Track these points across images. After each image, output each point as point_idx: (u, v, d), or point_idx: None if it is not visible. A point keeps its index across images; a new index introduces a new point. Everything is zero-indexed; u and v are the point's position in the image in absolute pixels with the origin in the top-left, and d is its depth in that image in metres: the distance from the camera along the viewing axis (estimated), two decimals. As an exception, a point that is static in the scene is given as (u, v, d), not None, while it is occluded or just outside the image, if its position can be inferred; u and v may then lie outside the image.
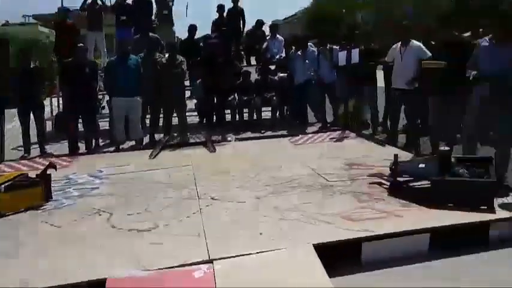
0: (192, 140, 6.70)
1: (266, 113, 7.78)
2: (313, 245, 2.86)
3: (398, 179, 3.88)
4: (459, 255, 2.95)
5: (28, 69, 6.40)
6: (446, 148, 3.98)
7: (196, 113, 8.19)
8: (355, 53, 6.69)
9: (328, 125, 7.31)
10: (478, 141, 4.34)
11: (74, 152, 6.23)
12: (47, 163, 4.51)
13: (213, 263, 2.72)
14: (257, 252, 2.82)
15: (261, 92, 7.68)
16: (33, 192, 3.91)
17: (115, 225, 3.40)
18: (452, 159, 3.82)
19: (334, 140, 6.30)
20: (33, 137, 6.47)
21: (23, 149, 6.38)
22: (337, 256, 2.85)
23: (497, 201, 3.46)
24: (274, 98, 7.69)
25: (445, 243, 3.04)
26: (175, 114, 7.03)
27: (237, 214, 3.53)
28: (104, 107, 8.07)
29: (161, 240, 3.07)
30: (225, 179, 4.54)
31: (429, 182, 3.67)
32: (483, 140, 4.46)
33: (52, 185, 4.18)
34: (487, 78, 3.96)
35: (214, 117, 7.68)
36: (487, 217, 3.24)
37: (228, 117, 7.73)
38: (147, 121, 6.97)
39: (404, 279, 2.73)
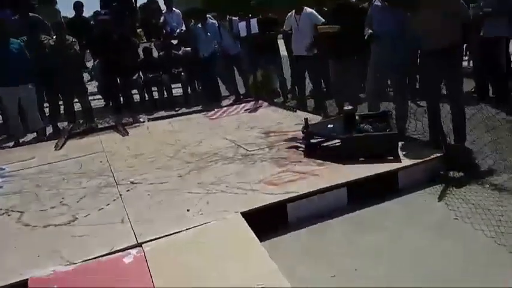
0: (100, 126, 6.30)
1: (177, 90, 7.58)
2: (241, 213, 2.92)
3: (312, 141, 4.11)
4: (375, 204, 3.23)
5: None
6: (350, 107, 4.29)
7: (100, 96, 7.72)
8: (254, 23, 6.77)
9: (241, 96, 7.37)
10: (380, 98, 4.74)
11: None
12: None
13: (142, 246, 2.65)
14: (186, 229, 2.80)
15: (167, 68, 7.44)
16: None
17: (28, 223, 3.12)
18: (356, 117, 4.14)
19: (249, 110, 6.39)
20: None
21: None
22: (265, 221, 2.94)
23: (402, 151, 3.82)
24: (182, 73, 7.51)
25: (361, 194, 3.30)
26: (76, 100, 6.54)
27: (161, 195, 3.44)
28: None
29: (83, 232, 2.90)
30: (143, 162, 4.38)
31: (339, 141, 3.95)
32: (384, 96, 4.88)
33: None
34: (378, 38, 4.30)
35: (121, 99, 7.29)
36: (395, 166, 3.57)
37: (137, 97, 7.39)
38: (47, 110, 6.38)
39: (328, 232, 2.93)
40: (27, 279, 2.35)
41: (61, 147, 5.23)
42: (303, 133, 4.17)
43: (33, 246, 2.77)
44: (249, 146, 4.46)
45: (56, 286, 2.32)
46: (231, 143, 4.69)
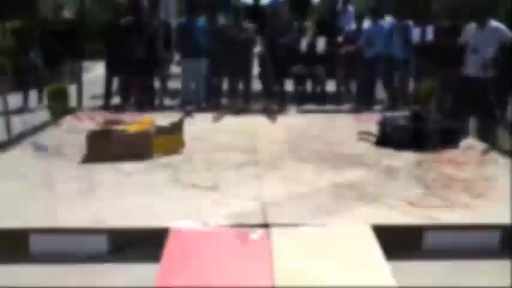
0: (254, 107, 6.72)
1: (331, 86, 7.57)
2: (372, 225, 2.78)
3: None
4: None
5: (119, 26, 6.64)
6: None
7: (259, 81, 8.18)
8: (430, 30, 6.25)
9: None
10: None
11: (140, 107, 6.51)
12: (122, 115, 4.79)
13: (269, 227, 2.74)
14: (313, 225, 2.80)
15: (327, 63, 7.46)
16: (175, 138, 4.20)
17: (179, 180, 3.52)
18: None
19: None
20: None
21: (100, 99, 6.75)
22: (396, 241, 2.74)
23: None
24: (340, 71, 7.45)
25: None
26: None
27: (296, 185, 3.50)
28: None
29: (220, 200, 3.14)
30: (285, 150, 4.51)
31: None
32: None
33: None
34: None
35: (276, 87, 7.61)
36: None
37: (291, 87, 7.64)
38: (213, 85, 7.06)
39: (466, 272, 2.58)
40: (168, 227, 2.65)
41: (218, 121, 5.75)
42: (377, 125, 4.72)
43: (178, 200, 3.12)
44: (395, 158, 4.20)
45: (189, 239, 2.58)
46: (376, 150, 4.49)
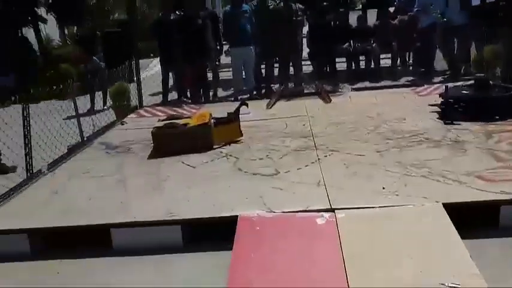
0: (306, 90, 6.66)
1: (385, 61, 7.30)
2: (443, 203, 2.68)
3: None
4: None
5: (159, 21, 6.88)
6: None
7: (309, 62, 8.07)
8: None
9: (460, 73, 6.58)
10: None
11: (195, 100, 6.71)
12: (180, 110, 4.96)
13: (334, 211, 2.74)
14: (380, 207, 2.76)
15: (380, 37, 7.19)
16: (233, 127, 4.33)
17: (241, 169, 3.61)
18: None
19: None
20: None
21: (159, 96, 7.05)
22: (470, 219, 2.63)
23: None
24: (394, 43, 7.15)
25: None
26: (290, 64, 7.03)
27: (357, 166, 3.45)
28: (219, 59, 8.44)
29: (283, 186, 3.18)
30: (342, 131, 4.46)
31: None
32: None
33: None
34: None
35: (328, 66, 7.47)
36: None
37: (343, 65, 7.46)
38: (263, 71, 7.09)
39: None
40: (237, 215, 2.74)
41: (271, 107, 5.78)
42: (439, 96, 4.54)
43: (243, 189, 3.20)
44: (461, 132, 4.00)
45: (258, 227, 2.66)
46: (440, 124, 4.30)
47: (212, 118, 4.36)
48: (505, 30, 5.65)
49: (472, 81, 4.91)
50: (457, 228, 2.44)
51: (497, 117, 4.15)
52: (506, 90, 4.49)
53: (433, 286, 2.03)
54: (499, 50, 5.85)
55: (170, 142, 4.11)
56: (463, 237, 2.39)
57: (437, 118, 4.44)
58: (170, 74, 7.15)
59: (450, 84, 4.95)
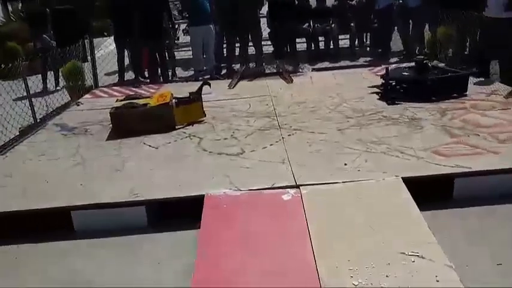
0: (267, 71, 6.65)
1: (344, 41, 7.42)
2: (402, 178, 2.80)
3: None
4: None
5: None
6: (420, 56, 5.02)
7: (269, 42, 8.05)
8: None
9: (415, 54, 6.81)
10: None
11: (153, 79, 6.52)
12: (138, 90, 4.81)
13: (299, 188, 2.79)
14: (343, 182, 2.84)
15: (338, 18, 7.28)
16: (195, 107, 4.25)
17: (206, 149, 3.58)
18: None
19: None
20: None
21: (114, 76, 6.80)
22: (427, 191, 2.77)
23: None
24: (352, 24, 7.27)
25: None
26: (251, 44, 6.97)
27: (320, 144, 3.52)
28: (178, 38, 8.22)
29: (249, 165, 3.20)
30: (304, 110, 4.50)
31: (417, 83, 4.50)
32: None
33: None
34: None
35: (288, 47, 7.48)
36: None
37: (303, 46, 7.51)
38: (225, 51, 6.99)
39: (497, 218, 2.61)
40: (204, 194, 2.73)
41: (234, 87, 5.73)
42: (381, 78, 4.67)
43: (208, 168, 3.18)
44: (418, 110, 4.17)
45: (225, 205, 2.66)
46: (397, 103, 4.44)
47: (174, 98, 4.27)
48: (457, 12, 5.88)
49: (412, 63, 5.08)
50: (415, 201, 2.56)
51: (433, 98, 4.35)
52: (443, 72, 4.72)
53: (394, 255, 2.13)
54: (452, 32, 6.11)
55: (130, 122, 4.01)
56: (421, 209, 2.51)
57: (378, 99, 4.58)
58: (126, 53, 6.89)
59: (392, 66, 5.12)
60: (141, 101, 4.29)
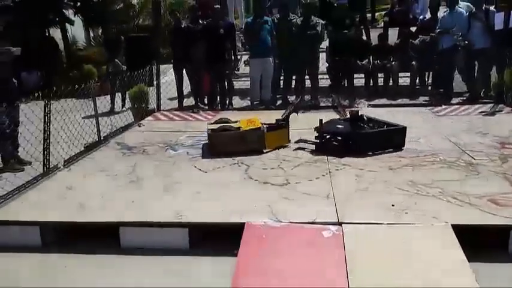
0: (322, 104, 6.67)
1: (404, 79, 7.27)
2: (452, 225, 2.66)
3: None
4: None
5: (180, 28, 7.00)
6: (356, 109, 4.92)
7: (327, 76, 8.08)
8: None
9: (479, 96, 6.51)
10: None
11: (211, 107, 6.78)
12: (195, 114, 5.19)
13: (342, 225, 2.74)
14: (388, 223, 2.75)
15: (399, 56, 7.17)
16: (283, 133, 4.54)
17: (252, 177, 3.65)
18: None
19: (484, 113, 5.62)
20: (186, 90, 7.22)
21: (177, 100, 7.17)
22: (479, 242, 2.60)
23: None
24: (414, 63, 7.12)
25: None
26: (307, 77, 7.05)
27: (368, 182, 3.45)
28: (238, 69, 8.51)
29: (292, 197, 3.20)
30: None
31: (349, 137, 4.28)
32: None
33: (199, 135, 4.68)
34: None
35: (345, 82, 7.46)
36: None
37: (361, 81, 7.45)
38: (281, 82, 7.13)
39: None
40: (245, 223, 2.77)
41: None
42: (315, 130, 4.41)
43: (252, 196, 3.23)
44: (477, 154, 3.96)
45: (264, 235, 2.68)
46: (455, 146, 4.26)
47: (262, 124, 4.50)
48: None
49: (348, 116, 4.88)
50: (464, 251, 2.41)
51: (368, 152, 4.13)
52: (378, 126, 4.50)
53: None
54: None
55: (225, 143, 4.34)
56: (470, 260, 2.36)
57: (312, 150, 4.33)
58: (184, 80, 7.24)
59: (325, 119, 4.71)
60: (234, 125, 4.58)
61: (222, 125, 4.60)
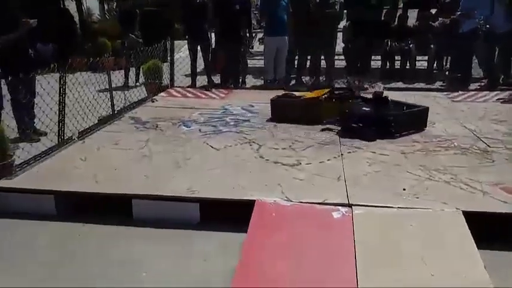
0: (337, 85, 6.59)
1: (422, 63, 7.13)
2: (463, 211, 2.65)
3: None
4: None
5: (193, 4, 6.92)
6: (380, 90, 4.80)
7: (343, 57, 7.97)
8: None
9: (498, 83, 6.36)
10: None
11: (225, 85, 6.76)
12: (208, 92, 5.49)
13: (352, 207, 2.75)
14: (398, 207, 2.75)
15: (418, 38, 7.03)
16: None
17: (263, 156, 3.66)
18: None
19: (502, 100, 5.50)
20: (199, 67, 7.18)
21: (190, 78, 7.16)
22: (489, 229, 2.59)
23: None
24: (432, 46, 6.98)
25: None
26: (323, 57, 6.96)
27: (379, 165, 3.43)
28: (252, 46, 8.43)
29: (303, 177, 3.21)
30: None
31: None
32: None
33: (212, 113, 4.67)
34: None
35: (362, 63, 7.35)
36: None
37: (378, 63, 7.34)
38: (296, 62, 7.05)
39: None
40: (255, 200, 2.79)
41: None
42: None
43: (263, 175, 3.25)
44: (492, 142, 3.90)
45: (274, 214, 2.70)
46: (470, 132, 4.20)
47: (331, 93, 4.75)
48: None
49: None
50: (475, 238, 2.41)
51: (396, 134, 4.11)
52: (401, 107, 4.50)
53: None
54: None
55: (284, 110, 4.63)
56: (480, 247, 2.36)
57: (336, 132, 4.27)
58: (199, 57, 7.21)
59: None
60: (299, 94, 4.93)
61: (286, 93, 4.94)
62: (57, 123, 4.07)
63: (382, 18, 7.32)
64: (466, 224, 2.53)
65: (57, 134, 4.06)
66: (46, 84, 4.22)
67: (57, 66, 4.11)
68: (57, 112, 4.08)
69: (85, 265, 2.48)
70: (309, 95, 4.83)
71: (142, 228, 2.82)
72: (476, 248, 2.33)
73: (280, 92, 5.16)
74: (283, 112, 4.62)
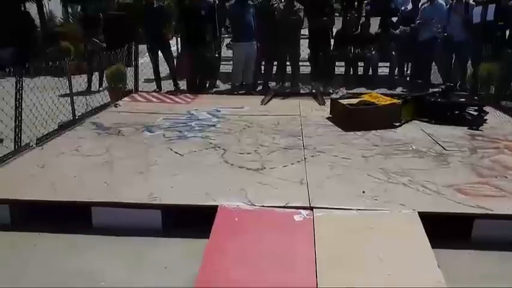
0: (302, 91, 6.71)
1: (383, 69, 7.35)
2: (419, 212, 2.74)
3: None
4: None
5: (152, 9, 6.86)
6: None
7: (308, 63, 8.10)
8: (491, 10, 5.86)
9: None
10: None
11: (191, 90, 6.72)
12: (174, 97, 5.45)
13: (313, 210, 2.79)
14: (358, 209, 2.81)
15: (380, 45, 7.25)
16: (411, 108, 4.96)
17: (228, 161, 3.66)
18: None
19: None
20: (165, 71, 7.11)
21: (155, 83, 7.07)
22: (443, 229, 2.69)
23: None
24: (394, 53, 7.21)
25: None
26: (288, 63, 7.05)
27: (341, 169, 3.51)
28: (219, 52, 8.42)
29: (266, 181, 3.23)
30: (332, 133, 4.51)
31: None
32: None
33: (177, 118, 4.62)
34: None
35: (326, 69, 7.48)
36: None
37: (342, 69, 7.51)
38: (263, 68, 7.11)
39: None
40: (218, 205, 2.79)
41: (266, 103, 5.82)
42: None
43: (227, 180, 3.25)
44: (448, 145, 4.07)
45: (236, 218, 2.71)
46: (428, 136, 4.37)
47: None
48: (503, 49, 5.72)
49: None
50: (430, 238, 2.50)
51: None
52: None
53: (398, 290, 2.09)
54: (495, 69, 5.92)
55: (364, 117, 4.66)
56: (434, 246, 2.45)
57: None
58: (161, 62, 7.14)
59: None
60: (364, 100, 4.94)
61: (360, 100, 4.92)
62: (13, 130, 3.92)
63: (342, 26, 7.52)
64: (421, 224, 2.62)
65: (13, 140, 3.91)
66: (1, 90, 4.06)
67: (13, 70, 3.96)
68: (13, 118, 3.93)
69: (41, 276, 2.39)
70: (379, 101, 4.92)
71: (101, 236, 2.75)
72: (430, 248, 2.42)
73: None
74: (363, 119, 4.66)
